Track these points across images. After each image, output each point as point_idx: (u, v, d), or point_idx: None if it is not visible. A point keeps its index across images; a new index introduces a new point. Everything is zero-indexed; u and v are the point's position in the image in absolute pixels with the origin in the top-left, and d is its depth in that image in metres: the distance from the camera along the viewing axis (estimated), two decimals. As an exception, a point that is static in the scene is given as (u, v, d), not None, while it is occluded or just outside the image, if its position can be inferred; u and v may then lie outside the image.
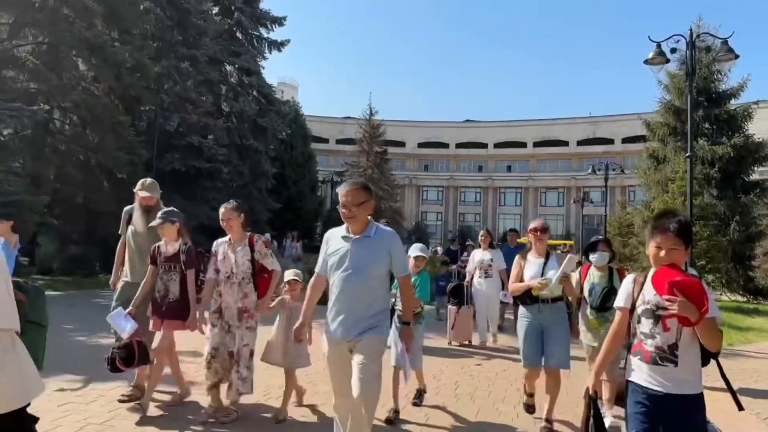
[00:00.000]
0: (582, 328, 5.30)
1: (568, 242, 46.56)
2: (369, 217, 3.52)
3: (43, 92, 15.71)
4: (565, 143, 71.98)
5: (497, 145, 75.06)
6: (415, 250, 5.79)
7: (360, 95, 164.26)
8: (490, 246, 9.36)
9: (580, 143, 70.73)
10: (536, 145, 73.55)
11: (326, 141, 73.65)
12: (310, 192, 31.86)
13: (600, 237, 5.66)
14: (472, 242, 20.29)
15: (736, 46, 10.57)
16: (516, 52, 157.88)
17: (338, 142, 69.81)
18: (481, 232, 9.66)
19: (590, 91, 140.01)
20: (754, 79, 21.38)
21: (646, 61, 10.92)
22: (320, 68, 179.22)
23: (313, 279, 3.74)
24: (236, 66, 23.89)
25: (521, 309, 5.04)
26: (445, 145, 76.74)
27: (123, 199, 19.00)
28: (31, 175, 15.12)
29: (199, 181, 21.10)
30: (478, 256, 9.25)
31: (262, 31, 25.85)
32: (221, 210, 4.84)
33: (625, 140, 64.71)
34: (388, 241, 3.52)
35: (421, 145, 76.92)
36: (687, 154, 11.21)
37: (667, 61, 10.87)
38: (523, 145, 74.12)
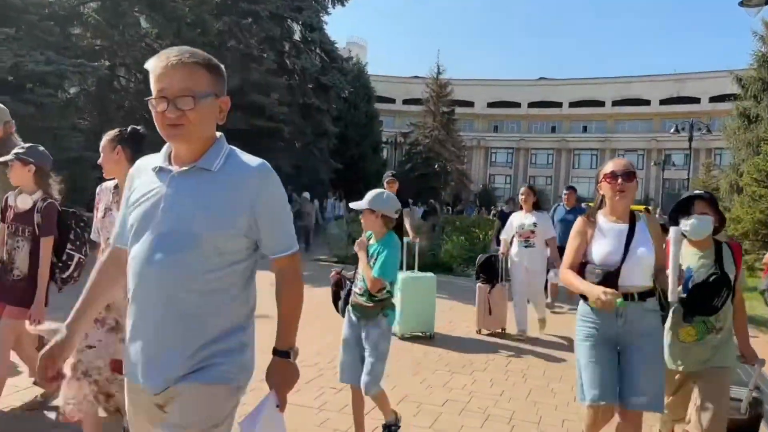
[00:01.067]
0: (665, 339, 3.23)
1: (641, 207, 44.37)
2: (218, 133, 1.89)
3: (106, 49, 15.96)
4: (647, 102, 68.26)
5: (572, 105, 72.07)
6: (365, 200, 3.65)
7: (428, 54, 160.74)
8: (535, 207, 7.23)
9: (663, 102, 66.85)
10: (615, 104, 70.11)
11: (392, 101, 72.90)
12: (373, 153, 31.57)
13: (698, 192, 3.58)
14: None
15: None
16: (594, 5, 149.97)
17: (405, 102, 68.92)
18: (522, 189, 7.38)
19: (676, 47, 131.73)
20: None
21: (742, 2, 9.73)
22: (389, 27, 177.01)
23: (102, 256, 2.05)
24: (299, 22, 23.56)
25: (581, 308, 3.18)
26: (517, 105, 74.38)
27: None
28: (94, 132, 15.48)
29: (261, 140, 21.14)
30: (518, 220, 7.27)
31: (326, -16, 25.37)
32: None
33: (713, 99, 60.59)
34: (249, 184, 1.82)
35: (490, 105, 74.91)
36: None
37: (766, 2, 9.64)
38: (601, 104, 70.82)
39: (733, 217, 16.81)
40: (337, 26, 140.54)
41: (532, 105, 73.73)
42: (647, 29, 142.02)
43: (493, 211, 27.27)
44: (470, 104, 73.53)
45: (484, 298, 7.26)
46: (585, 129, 72.94)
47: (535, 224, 7.10)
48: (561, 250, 5.15)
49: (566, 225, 7.57)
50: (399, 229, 3.86)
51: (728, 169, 21.65)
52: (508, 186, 74.59)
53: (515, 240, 7.19)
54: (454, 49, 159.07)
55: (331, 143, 25.20)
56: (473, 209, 28.41)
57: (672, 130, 25.17)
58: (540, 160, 74.85)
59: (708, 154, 53.69)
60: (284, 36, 23.55)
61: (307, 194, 16.71)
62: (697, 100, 62.75)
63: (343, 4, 25.26)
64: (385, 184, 7.81)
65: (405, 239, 6.61)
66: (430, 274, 7.41)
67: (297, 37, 24.73)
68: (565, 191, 9.26)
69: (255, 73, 20.80)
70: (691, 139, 24.32)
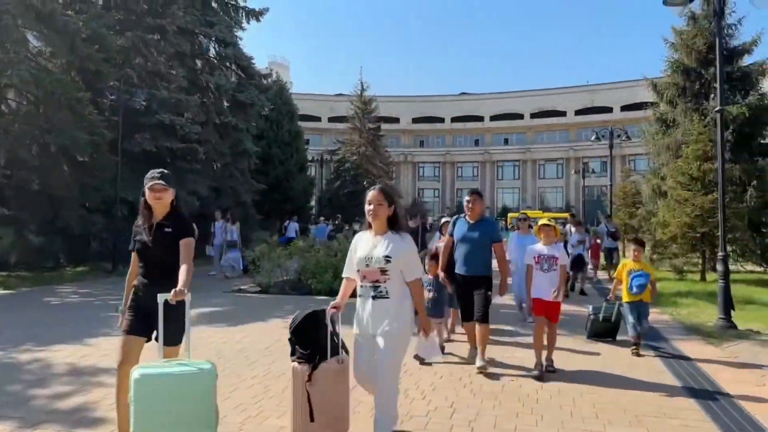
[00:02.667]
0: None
1: (564, 215, 45.01)
2: None
3: (-14, 68, 14.00)
4: (563, 113, 70.24)
5: (493, 118, 73.32)
6: None
7: (353, 73, 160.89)
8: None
9: (578, 113, 68.95)
10: (533, 116, 71.82)
11: (318, 119, 71.85)
12: (299, 172, 30.16)
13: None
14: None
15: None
16: (509, 21, 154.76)
17: (330, 120, 67.97)
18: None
19: (588, 59, 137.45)
20: (766, 35, 19.56)
21: (666, 1, 9.22)
22: (311, 46, 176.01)
23: None
24: (212, 37, 22.04)
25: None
26: (441, 120, 74.95)
27: (86, 184, 17.67)
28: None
29: (173, 162, 19.44)
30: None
31: (239, -1, 23.99)
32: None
33: (624, 108, 62.92)
34: None
35: (415, 120, 75.14)
36: (717, 108, 9.52)
37: (690, 0, 9.19)
38: (520, 116, 72.37)
39: (661, 222, 16.61)
40: (258, 46, 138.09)
41: (455, 119, 74.48)
42: (561, 42, 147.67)
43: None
44: (396, 120, 73.45)
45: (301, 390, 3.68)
46: (506, 141, 74.28)
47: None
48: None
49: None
50: None
51: (649, 173, 21.65)
52: (437, 199, 74.86)
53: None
54: (377, 67, 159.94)
55: (252, 163, 23.65)
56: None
57: (593, 138, 25.25)
58: (466, 172, 75.62)
59: (623, 161, 55.36)
60: (196, 52, 21.98)
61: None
62: (609, 110, 65.02)
63: (258, 20, 23.95)
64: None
65: None
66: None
67: (212, 53, 23.21)
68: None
69: (164, 91, 19.12)
70: (611, 147, 24.40)
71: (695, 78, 19.67)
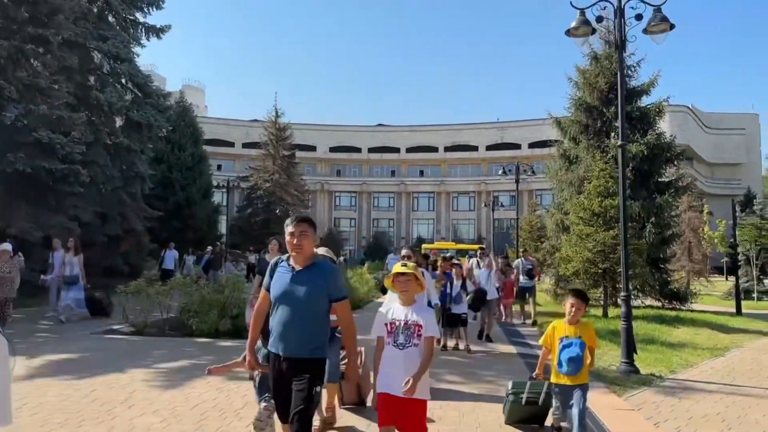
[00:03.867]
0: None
1: (475, 246, 45.38)
2: None
3: None
4: (475, 148, 71.85)
5: (409, 150, 73.96)
6: None
7: (271, 100, 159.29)
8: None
9: (489, 148, 70.74)
10: (447, 149, 73.03)
11: (231, 144, 69.72)
12: (202, 198, 28.38)
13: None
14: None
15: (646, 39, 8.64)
16: (427, 57, 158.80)
17: (245, 145, 65.96)
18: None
19: (499, 97, 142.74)
20: (662, 77, 20.29)
21: (569, 32, 8.85)
22: (229, 72, 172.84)
23: None
24: (104, 52, 20.28)
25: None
26: (358, 150, 74.73)
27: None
28: None
29: (52, 184, 17.44)
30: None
31: (138, 15, 22.35)
32: None
33: (532, 145, 65.11)
34: None
35: (333, 150, 74.51)
36: (619, 143, 9.20)
37: (593, 32, 8.88)
38: (435, 149, 73.40)
39: (563, 257, 16.40)
40: (173, 69, 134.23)
41: (372, 150, 74.47)
42: (474, 78, 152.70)
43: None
44: (312, 149, 72.52)
45: None
46: (422, 173, 74.98)
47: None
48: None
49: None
50: None
51: (553, 208, 21.69)
52: (353, 229, 74.06)
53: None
54: (296, 96, 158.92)
55: (146, 187, 21.81)
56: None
57: (500, 172, 25.29)
58: (382, 203, 75.53)
59: (531, 195, 56.90)
60: (86, 67, 20.12)
61: (7, 245, 10.84)
62: (518, 146, 67.10)
63: (159, 37, 22.43)
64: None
65: None
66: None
67: (107, 69, 21.39)
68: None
69: (43, 107, 17.20)
70: (518, 181, 24.47)
71: (597, 116, 19.94)
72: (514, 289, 14.81)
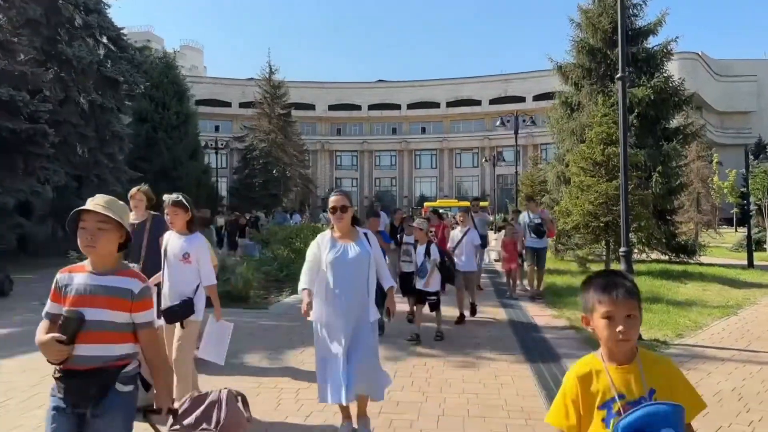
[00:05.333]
0: None
1: (483, 203, 44.39)
2: None
3: None
4: (478, 102, 69.96)
5: (411, 106, 72.16)
6: None
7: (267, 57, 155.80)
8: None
9: (492, 102, 68.78)
10: (449, 105, 71.21)
11: (228, 105, 68.19)
12: (190, 159, 27.24)
13: None
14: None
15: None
16: (427, 8, 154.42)
17: (242, 105, 64.38)
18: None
19: (502, 49, 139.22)
20: (670, 15, 18.79)
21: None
22: (228, 32, 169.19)
23: None
24: (72, 3, 18.95)
25: None
26: (357, 107, 72.99)
27: None
28: None
29: (21, 146, 16.40)
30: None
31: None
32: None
33: (537, 98, 63.14)
34: None
35: (332, 108, 72.81)
36: (618, 75, 8.04)
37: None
38: (437, 105, 71.57)
39: (563, 210, 15.38)
40: (170, 28, 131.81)
41: (372, 107, 72.72)
42: (476, 30, 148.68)
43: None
44: (311, 107, 70.94)
45: None
46: (424, 130, 73.36)
47: None
48: None
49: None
50: None
51: (554, 160, 20.59)
52: (355, 189, 72.93)
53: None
54: (294, 54, 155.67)
55: (126, 148, 20.78)
56: (283, 216, 25.42)
57: (497, 123, 24.05)
58: (384, 161, 74.21)
59: (535, 150, 55.50)
60: (54, 20, 18.82)
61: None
62: (522, 99, 65.12)
63: (132, -15, 20.99)
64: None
65: None
66: None
67: (78, 23, 20.05)
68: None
69: (4, 62, 16.03)
70: (516, 131, 23.25)
71: (601, 59, 18.70)
72: (520, 251, 11.28)
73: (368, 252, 3.97)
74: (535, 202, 12.51)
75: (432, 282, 7.39)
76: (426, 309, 7.49)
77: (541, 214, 11.45)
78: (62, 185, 17.46)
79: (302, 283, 3.86)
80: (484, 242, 11.62)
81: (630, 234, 14.49)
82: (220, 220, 19.22)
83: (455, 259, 8.30)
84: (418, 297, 7.50)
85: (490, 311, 9.46)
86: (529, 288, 11.47)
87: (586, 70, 18.92)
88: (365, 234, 4.09)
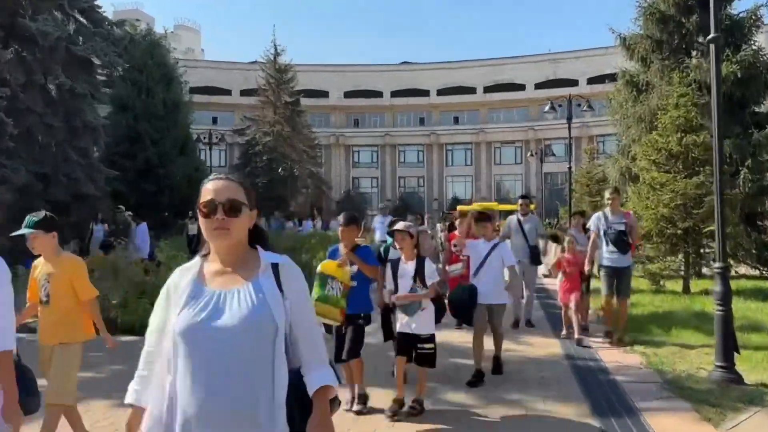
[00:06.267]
0: None
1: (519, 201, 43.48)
2: None
3: None
4: (521, 87, 68.99)
5: (441, 92, 71.43)
6: None
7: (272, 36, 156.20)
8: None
9: (538, 86, 67.69)
10: (487, 90, 70.31)
11: (228, 93, 68.23)
12: (179, 154, 26.93)
13: None
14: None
15: None
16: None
17: (243, 93, 64.37)
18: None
19: (550, 24, 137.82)
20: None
21: None
22: (228, 10, 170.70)
23: None
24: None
25: None
26: (378, 94, 72.50)
27: None
28: None
29: (-25, 138, 16.18)
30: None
31: None
32: None
33: (592, 81, 61.98)
34: None
35: (348, 95, 72.43)
36: (710, 36, 7.24)
37: None
38: (472, 91, 70.73)
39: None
40: (164, 6, 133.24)
41: (396, 94, 72.16)
42: (518, 4, 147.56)
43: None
44: (324, 94, 70.67)
45: None
46: (456, 120, 72.57)
47: None
48: None
49: None
50: None
51: (617, 153, 19.96)
52: (375, 190, 72.48)
53: None
54: (305, 34, 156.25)
55: (99, 141, 20.52)
56: (282, 223, 25.01)
57: (546, 109, 23.29)
58: (409, 157, 73.59)
59: (590, 142, 54.43)
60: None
61: None
62: (574, 82, 63.90)
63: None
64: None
65: None
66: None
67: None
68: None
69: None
70: (570, 118, 22.44)
71: (674, 28, 18.14)
72: (588, 273, 9.19)
73: (268, 310, 2.08)
74: (618, 196, 9.34)
75: (425, 320, 5.68)
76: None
77: (626, 218, 8.82)
78: (23, 185, 17.14)
79: (130, 392, 2.25)
80: (535, 257, 10.18)
81: (708, 243, 13.76)
82: (193, 227, 18.48)
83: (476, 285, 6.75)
84: (404, 346, 5.70)
85: (539, 341, 8.71)
86: (607, 330, 8.94)
87: (656, 42, 18.41)
88: (274, 267, 2.19)
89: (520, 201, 10.87)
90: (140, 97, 25.96)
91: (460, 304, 6.61)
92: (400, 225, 6.00)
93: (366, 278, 5.70)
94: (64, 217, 19.54)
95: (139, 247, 15.01)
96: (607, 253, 8.65)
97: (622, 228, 8.59)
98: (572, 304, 8.73)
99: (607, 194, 9.18)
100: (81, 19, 20.14)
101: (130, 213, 15.47)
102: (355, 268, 5.52)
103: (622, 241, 8.56)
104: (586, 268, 8.97)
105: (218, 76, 68.81)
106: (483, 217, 7.41)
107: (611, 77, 21.18)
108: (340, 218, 5.82)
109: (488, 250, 6.98)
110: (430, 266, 5.74)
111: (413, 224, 6.56)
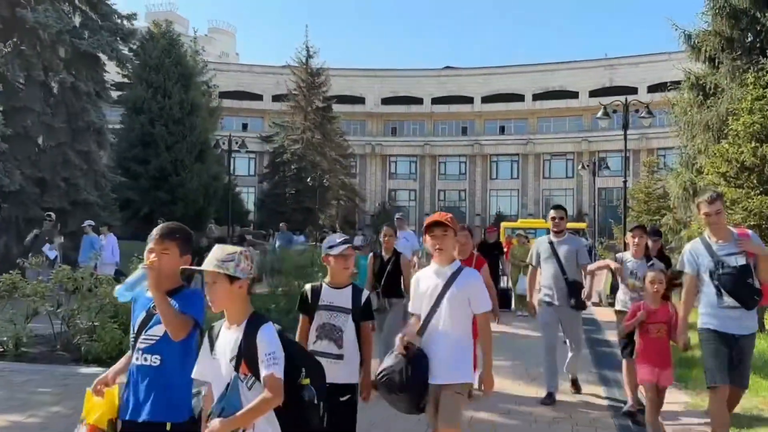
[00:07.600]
0: None
1: (579, 225, 42.18)
2: None
3: None
4: (574, 95, 68.03)
5: (486, 100, 70.89)
6: None
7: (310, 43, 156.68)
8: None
9: (593, 94, 66.39)
10: (536, 98, 69.60)
11: (260, 98, 68.56)
12: (195, 161, 26.57)
13: None
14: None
15: None
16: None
17: (275, 99, 64.55)
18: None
19: (606, 28, 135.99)
20: None
21: None
22: (264, 13, 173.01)
23: None
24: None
25: None
26: (418, 101, 72.19)
27: None
28: None
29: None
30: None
31: None
32: None
33: (652, 89, 60.42)
34: None
35: (386, 102, 72.30)
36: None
37: None
38: (520, 98, 70.03)
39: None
40: (198, 8, 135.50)
41: (437, 101, 71.76)
42: (571, 5, 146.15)
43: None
44: (360, 101, 70.64)
45: None
46: (502, 130, 71.86)
47: None
48: None
49: None
50: None
51: (680, 166, 19.07)
52: (413, 203, 71.94)
53: None
54: (342, 38, 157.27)
55: (105, 143, 20.24)
56: (294, 236, 24.11)
57: (599, 114, 22.33)
58: (451, 169, 73.13)
59: (650, 154, 52.98)
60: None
61: None
62: (633, 90, 62.43)
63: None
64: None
65: None
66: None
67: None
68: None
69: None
70: (626, 126, 21.44)
71: (747, 24, 17.40)
72: (686, 343, 5.81)
73: None
74: (722, 206, 5.55)
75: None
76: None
77: (740, 239, 5.40)
78: (17, 191, 16.76)
79: None
80: (577, 298, 7.37)
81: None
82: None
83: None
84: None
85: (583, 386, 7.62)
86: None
87: (727, 40, 17.64)
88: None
89: (552, 213, 7.93)
90: (155, 98, 25.77)
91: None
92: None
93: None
94: (62, 227, 19.20)
95: (105, 261, 14.07)
96: (719, 309, 5.33)
97: (743, 262, 5.26)
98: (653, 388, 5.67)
99: (702, 203, 5.41)
100: (88, 11, 19.84)
101: (91, 222, 14.60)
102: None
103: (745, 287, 5.25)
104: (680, 341, 5.71)
105: (250, 80, 69.32)
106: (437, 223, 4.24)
107: (675, 85, 20.21)
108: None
109: (445, 281, 4.23)
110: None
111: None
